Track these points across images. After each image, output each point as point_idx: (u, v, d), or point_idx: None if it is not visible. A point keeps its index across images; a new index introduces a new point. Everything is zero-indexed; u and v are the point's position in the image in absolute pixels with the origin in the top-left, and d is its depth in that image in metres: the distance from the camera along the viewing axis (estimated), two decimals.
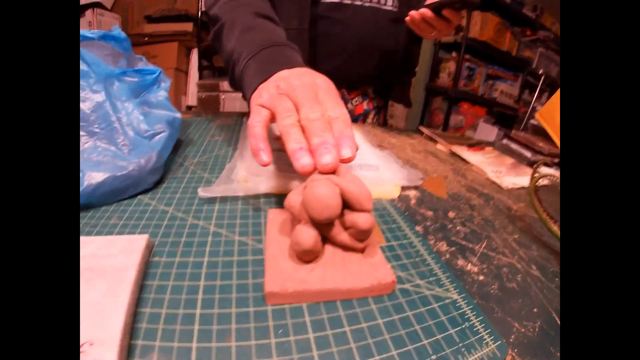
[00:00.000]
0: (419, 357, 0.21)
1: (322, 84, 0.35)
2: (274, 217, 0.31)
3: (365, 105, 0.74)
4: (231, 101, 1.83)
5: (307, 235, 0.24)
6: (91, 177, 0.30)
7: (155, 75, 0.35)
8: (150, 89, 0.36)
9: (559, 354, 0.22)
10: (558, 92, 0.58)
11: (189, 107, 2.11)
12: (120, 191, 0.32)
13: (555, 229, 0.30)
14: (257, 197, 0.37)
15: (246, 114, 0.65)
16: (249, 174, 0.39)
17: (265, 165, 0.32)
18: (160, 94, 0.38)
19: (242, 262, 0.27)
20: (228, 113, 0.67)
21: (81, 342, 0.18)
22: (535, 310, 0.25)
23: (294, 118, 0.31)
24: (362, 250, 0.27)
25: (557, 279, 0.29)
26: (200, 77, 2.06)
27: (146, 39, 2.04)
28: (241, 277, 0.26)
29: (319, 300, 0.24)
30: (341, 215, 0.26)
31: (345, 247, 0.27)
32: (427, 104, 2.02)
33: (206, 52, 2.05)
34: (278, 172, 0.40)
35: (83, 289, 0.21)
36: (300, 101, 0.32)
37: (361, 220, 0.25)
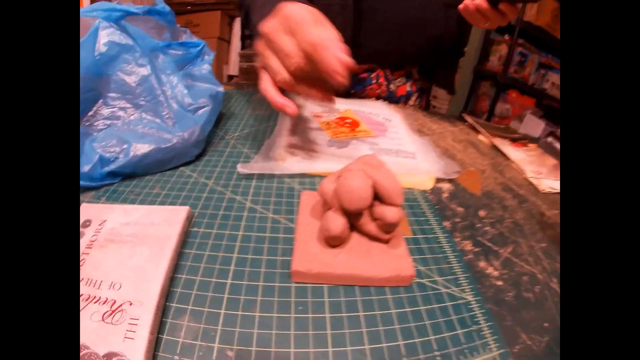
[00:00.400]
0: (423, 351, 0.22)
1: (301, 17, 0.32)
2: (307, 199, 0.32)
3: (408, 87, 0.71)
4: None
5: (337, 223, 0.25)
6: (137, 148, 0.33)
7: (199, 48, 0.36)
8: (194, 62, 0.37)
9: None
10: None
11: (230, 77, 2.13)
12: (164, 162, 0.35)
13: None
14: (292, 176, 0.38)
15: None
16: (286, 152, 0.40)
17: (294, 113, 0.34)
18: (204, 67, 0.39)
19: (273, 239, 0.29)
20: None
21: (121, 301, 0.21)
22: (546, 324, 0.25)
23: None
24: (386, 241, 0.28)
25: None
26: (243, 47, 2.05)
27: (189, 7, 2.03)
28: (271, 254, 0.28)
29: (340, 284, 0.26)
30: (371, 206, 0.26)
31: (371, 237, 0.27)
32: (474, 88, 1.85)
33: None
34: (313, 153, 0.41)
35: (127, 254, 0.24)
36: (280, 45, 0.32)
37: (390, 214, 0.25)
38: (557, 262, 0.31)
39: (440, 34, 0.63)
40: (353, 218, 0.27)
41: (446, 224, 0.34)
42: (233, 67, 2.10)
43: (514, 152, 0.52)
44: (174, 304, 0.23)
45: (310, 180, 0.38)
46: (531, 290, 0.27)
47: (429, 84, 0.75)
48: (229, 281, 0.25)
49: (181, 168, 0.37)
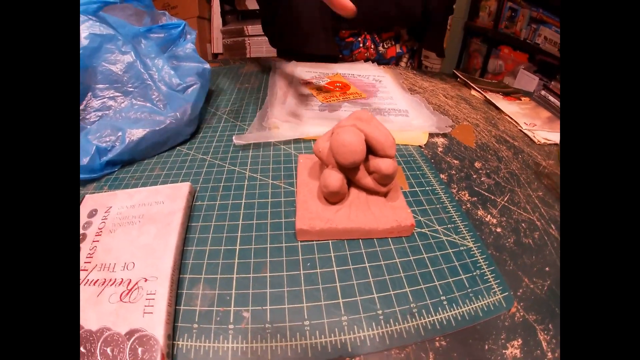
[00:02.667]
0: (430, 296, 0.22)
1: None
2: (304, 162, 0.31)
3: (398, 48, 0.68)
4: (257, 45, 1.74)
5: (334, 178, 0.25)
6: (132, 133, 0.31)
7: (180, 28, 0.33)
8: (177, 43, 0.35)
9: None
10: None
11: (215, 55, 2.03)
12: (160, 144, 0.34)
13: None
14: (287, 142, 0.37)
15: (275, 59, 0.62)
16: (279, 120, 0.39)
17: (352, 12, 0.31)
18: (188, 46, 0.37)
19: (275, 203, 0.29)
20: (255, 59, 0.64)
21: (137, 279, 0.20)
22: (547, 269, 0.25)
23: None
24: (385, 194, 0.27)
25: None
26: (224, 23, 1.94)
27: None
28: (275, 217, 0.27)
29: (343, 238, 0.25)
30: (366, 160, 0.25)
31: (369, 191, 0.27)
32: (465, 45, 1.76)
33: None
34: (308, 118, 0.40)
35: (135, 234, 0.23)
36: None
37: (384, 165, 0.25)
38: (554, 209, 0.30)
39: None
40: (350, 173, 0.26)
41: (443, 176, 0.33)
42: (216, 44, 2.00)
43: (507, 106, 0.50)
44: (187, 275, 0.23)
45: (305, 144, 0.37)
46: (530, 236, 0.27)
47: (419, 44, 0.71)
48: (238, 247, 0.25)
49: (178, 147, 0.36)
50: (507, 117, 0.47)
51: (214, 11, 2.00)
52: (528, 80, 0.62)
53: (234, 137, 0.35)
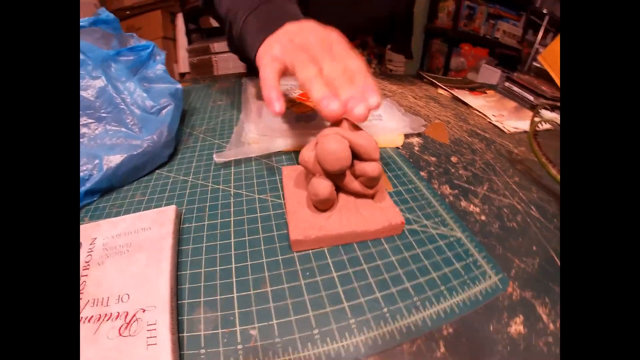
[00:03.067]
0: (430, 288, 0.23)
1: (335, 37, 0.32)
2: (288, 174, 0.31)
3: (365, 55, 0.70)
4: (224, 62, 1.73)
5: (323, 186, 0.25)
6: (109, 160, 0.30)
7: (149, 50, 0.32)
8: (146, 65, 0.34)
9: (557, 288, 0.23)
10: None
11: (182, 74, 2.00)
12: (139, 169, 0.32)
13: (555, 172, 0.29)
14: (268, 156, 0.36)
15: (245, 75, 0.62)
16: (257, 134, 0.38)
17: (278, 114, 0.30)
18: (158, 67, 0.36)
19: (265, 217, 0.28)
20: (225, 76, 0.64)
21: (134, 311, 0.19)
22: (534, 248, 0.26)
23: (315, 69, 0.29)
24: (372, 196, 0.28)
25: (555, 220, 0.29)
26: (189, 42, 1.92)
27: (128, 12, 1.85)
28: (266, 231, 0.27)
29: (338, 244, 0.25)
30: (351, 165, 0.26)
31: (357, 194, 0.27)
32: (427, 47, 1.81)
33: (191, 14, 1.89)
34: (285, 130, 0.40)
35: (125, 264, 0.22)
36: (319, 56, 0.30)
37: (370, 168, 0.25)
38: (531, 192, 0.32)
39: (390, 2, 0.62)
40: (337, 179, 0.26)
41: (423, 173, 0.34)
42: (183, 63, 1.97)
43: (474, 100, 0.53)
44: (185, 301, 0.22)
45: (287, 156, 0.37)
46: (514, 219, 0.29)
47: (387, 49, 0.73)
48: (234, 265, 0.24)
49: (157, 171, 0.34)
50: (475, 111, 0.50)
51: (178, 31, 1.97)
52: (490, 73, 0.66)
53: (214, 156, 0.35)
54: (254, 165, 0.35)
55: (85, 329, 0.18)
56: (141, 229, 0.25)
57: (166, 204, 0.30)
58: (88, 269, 0.22)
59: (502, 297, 0.22)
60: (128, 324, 0.18)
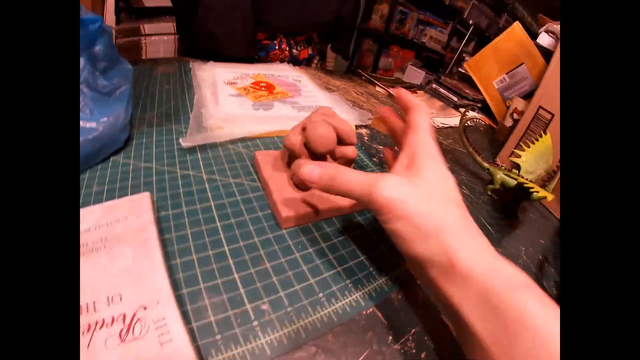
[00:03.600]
0: None
1: None
2: (263, 158, 0.28)
3: (310, 51, 0.66)
4: (154, 45, 1.43)
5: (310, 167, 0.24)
6: None
7: (97, 24, 0.24)
8: (95, 41, 0.25)
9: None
10: (488, 46, 0.54)
11: None
12: (92, 156, 0.25)
13: (479, 159, 0.32)
14: (233, 142, 0.32)
15: (180, 59, 0.52)
16: (218, 120, 0.33)
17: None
18: (107, 44, 0.27)
19: (246, 200, 0.25)
20: (167, 59, 0.53)
21: (132, 311, 0.15)
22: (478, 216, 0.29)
23: None
24: None
25: (482, 197, 0.32)
26: (117, 22, 1.52)
27: None
28: (251, 212, 0.24)
29: (322, 218, 0.25)
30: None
31: None
32: (358, 45, 1.71)
33: None
34: (246, 117, 0.36)
35: (106, 261, 0.17)
36: None
37: (350, 150, 0.25)
38: (462, 175, 0.35)
39: (337, 6, 0.59)
40: (320, 160, 0.25)
41: (375, 159, 0.35)
42: None
43: None
44: (184, 291, 0.18)
45: (252, 142, 0.33)
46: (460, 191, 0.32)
47: (329, 46, 0.71)
48: (227, 248, 0.21)
49: (112, 158, 0.27)
50: None
51: (107, 9, 1.53)
52: (415, 74, 0.69)
53: (180, 140, 0.29)
54: (222, 151, 0.31)
55: None
56: (115, 220, 0.19)
57: (132, 193, 0.24)
58: None
59: None
60: (129, 326, 0.14)
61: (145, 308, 0.15)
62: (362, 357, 0.17)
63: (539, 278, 0.24)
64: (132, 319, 0.14)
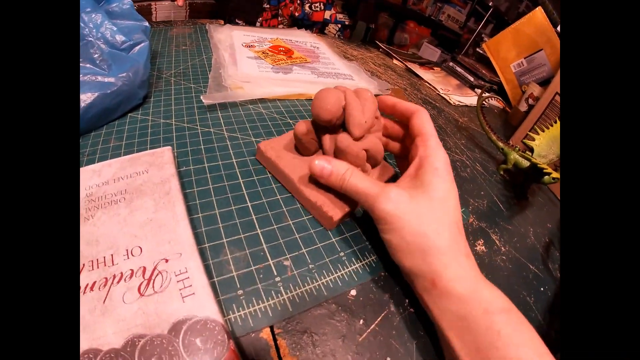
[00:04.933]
0: None
1: None
2: (266, 148, 0.21)
3: (326, 15, 0.57)
4: (164, 10, 1.32)
5: (301, 124, 0.19)
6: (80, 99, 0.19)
7: None
8: None
9: (502, 222, 0.23)
10: (508, 29, 0.48)
11: None
12: (110, 110, 0.22)
13: (495, 138, 0.29)
14: (253, 102, 0.29)
15: (207, 21, 0.47)
16: (238, 80, 0.30)
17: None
18: (125, 1, 0.23)
19: None
20: (182, 22, 0.47)
21: (153, 263, 0.13)
22: (482, 192, 0.26)
23: None
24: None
25: (495, 175, 0.29)
26: None
27: None
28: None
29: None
30: (337, 127, 0.19)
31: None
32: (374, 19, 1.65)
33: None
34: (265, 79, 0.32)
35: (126, 213, 0.15)
36: None
37: (340, 137, 0.18)
38: (476, 153, 0.32)
39: None
40: (321, 132, 0.20)
41: None
42: None
43: (424, 74, 0.49)
44: (207, 244, 0.16)
45: (272, 104, 0.30)
46: (465, 171, 0.29)
47: (353, 20, 0.61)
48: (249, 204, 0.19)
49: (129, 114, 0.24)
50: (426, 83, 0.47)
51: None
52: (431, 52, 0.62)
53: (202, 97, 0.26)
54: (242, 111, 0.27)
55: (89, 301, 0.12)
56: (135, 173, 0.17)
57: (151, 148, 0.21)
58: None
59: (467, 224, 0.22)
60: (150, 279, 0.12)
61: (166, 261, 0.13)
62: (380, 318, 0.15)
63: (545, 259, 0.22)
64: (152, 272, 0.12)
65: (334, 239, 0.18)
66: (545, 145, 0.28)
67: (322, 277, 0.16)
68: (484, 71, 0.52)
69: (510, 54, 0.49)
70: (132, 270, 0.12)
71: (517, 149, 0.28)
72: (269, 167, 0.21)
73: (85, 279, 0.12)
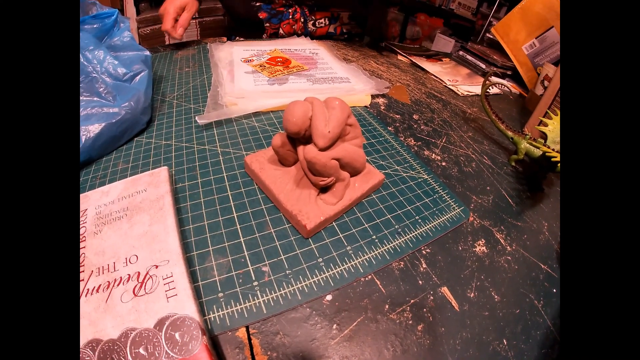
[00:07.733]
0: (407, 218, 0.23)
1: None
2: (252, 161, 0.25)
3: (331, 29, 0.61)
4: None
5: (277, 137, 0.22)
6: (87, 130, 0.25)
7: (113, 17, 0.26)
8: (112, 33, 0.27)
9: (509, 219, 0.24)
10: (515, 9, 0.49)
11: None
12: (117, 138, 0.27)
13: (503, 127, 0.30)
14: (247, 117, 0.33)
15: (202, 40, 0.54)
16: (233, 97, 0.35)
17: (179, 37, 0.39)
18: (125, 34, 0.29)
19: None
20: (187, 43, 0.55)
21: (146, 269, 0.17)
22: (488, 188, 0.27)
23: None
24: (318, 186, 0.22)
25: (505, 167, 0.30)
26: (138, 12, 1.61)
27: None
28: None
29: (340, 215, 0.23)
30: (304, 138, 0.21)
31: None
32: (383, 15, 1.71)
33: None
34: (260, 92, 0.36)
35: (127, 227, 0.19)
36: None
37: (306, 149, 0.20)
38: (483, 145, 0.34)
39: None
40: (297, 143, 0.22)
41: (390, 128, 0.34)
42: (134, 35, 1.65)
43: (431, 67, 0.51)
44: (194, 252, 0.20)
45: (265, 116, 0.34)
46: (469, 165, 0.30)
47: (362, 30, 0.64)
48: (235, 214, 0.22)
49: (135, 139, 0.30)
50: (432, 76, 0.49)
51: (127, 1, 1.63)
52: (445, 43, 0.63)
53: (196, 118, 0.31)
54: (236, 126, 0.32)
55: (94, 300, 0.16)
56: (136, 192, 0.21)
57: (153, 169, 0.26)
58: (84, 240, 0.19)
59: (466, 224, 0.24)
60: (142, 282, 0.16)
61: (156, 267, 0.17)
62: (355, 323, 0.17)
63: (559, 257, 0.22)
64: (145, 277, 0.17)
65: (313, 246, 0.21)
66: (559, 130, 0.27)
67: (297, 282, 0.19)
68: (495, 57, 0.53)
69: (520, 35, 0.49)
70: (129, 275, 0.17)
71: (527, 137, 0.28)
72: (254, 179, 0.25)
73: (92, 282, 0.16)
